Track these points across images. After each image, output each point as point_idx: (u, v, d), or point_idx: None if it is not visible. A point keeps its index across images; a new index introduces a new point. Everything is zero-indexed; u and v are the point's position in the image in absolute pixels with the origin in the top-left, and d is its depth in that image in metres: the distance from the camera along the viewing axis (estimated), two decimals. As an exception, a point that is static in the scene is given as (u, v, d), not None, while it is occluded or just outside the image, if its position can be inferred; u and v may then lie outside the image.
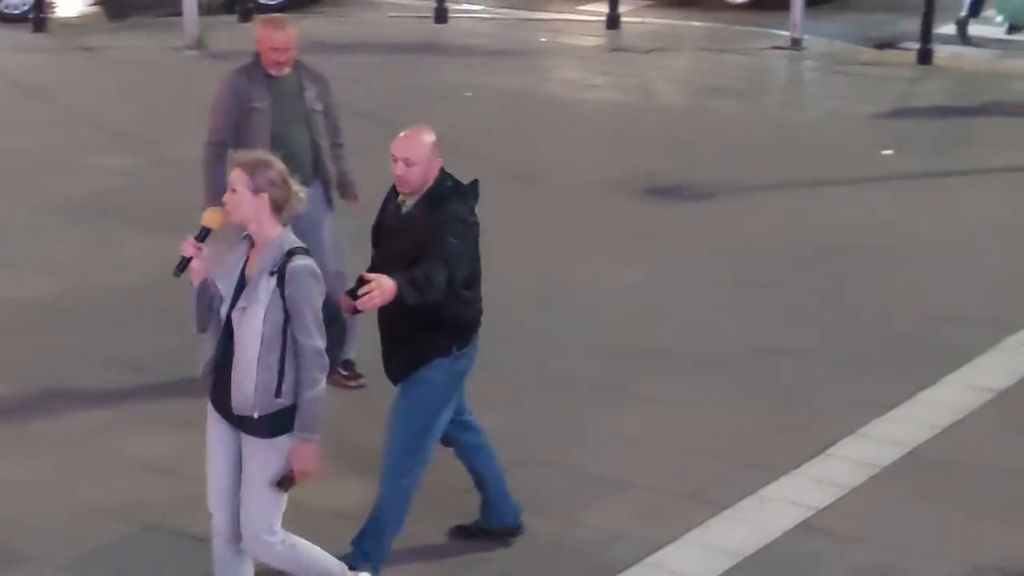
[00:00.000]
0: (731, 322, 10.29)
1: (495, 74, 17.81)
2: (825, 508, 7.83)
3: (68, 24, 20.46)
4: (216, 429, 6.31)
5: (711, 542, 7.52)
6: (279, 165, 6.14)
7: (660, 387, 9.27)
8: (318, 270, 6.12)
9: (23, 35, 19.51)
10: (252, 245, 6.17)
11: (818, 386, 9.30)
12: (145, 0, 21.54)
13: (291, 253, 6.06)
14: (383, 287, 6.42)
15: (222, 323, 6.15)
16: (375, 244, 7.08)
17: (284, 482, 6.20)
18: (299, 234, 7.89)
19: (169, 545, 7.40)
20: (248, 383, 6.08)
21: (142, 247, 11.46)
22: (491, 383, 9.23)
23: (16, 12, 20.33)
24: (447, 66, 18.21)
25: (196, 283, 6.17)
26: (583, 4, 21.85)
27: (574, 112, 16.18)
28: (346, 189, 9.31)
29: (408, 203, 6.87)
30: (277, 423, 6.14)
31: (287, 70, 8.98)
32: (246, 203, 6.06)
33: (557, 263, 11.36)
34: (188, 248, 6.15)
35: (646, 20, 20.98)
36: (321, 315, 6.10)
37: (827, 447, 8.47)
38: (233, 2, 21.11)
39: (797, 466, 8.25)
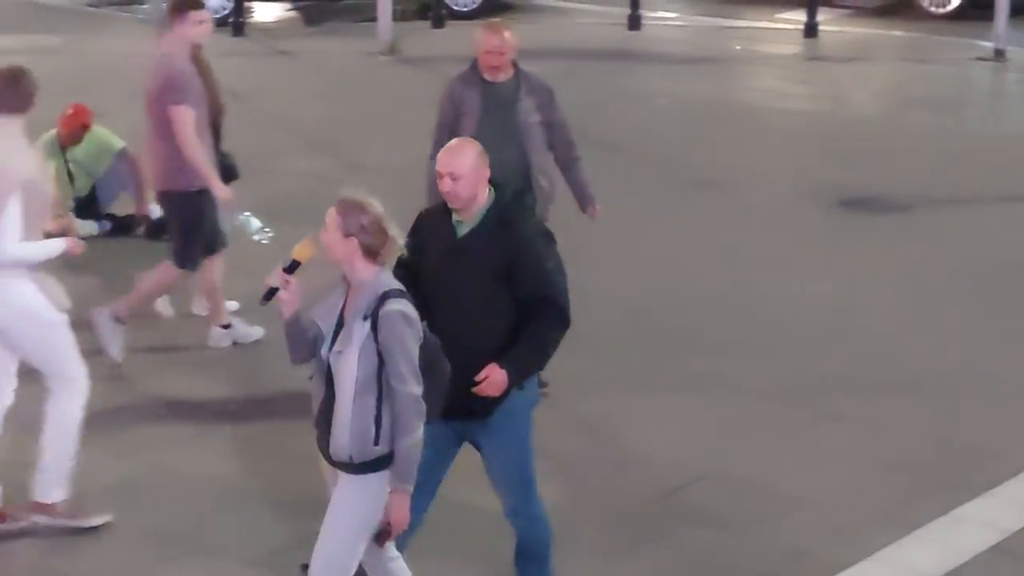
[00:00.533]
0: (924, 340, 10.04)
1: (689, 82, 17.67)
2: (1019, 531, 7.59)
3: (266, 29, 20.78)
4: (328, 472, 6.12)
5: (900, 562, 7.33)
6: (375, 209, 5.87)
7: (850, 404, 9.07)
8: (413, 313, 5.88)
9: (223, 39, 19.79)
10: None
11: (1013, 407, 9.02)
12: (341, 6, 21.81)
13: (385, 296, 5.84)
14: (495, 383, 6.28)
15: (324, 365, 5.98)
16: (426, 275, 6.39)
17: (381, 536, 5.98)
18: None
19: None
20: (344, 429, 5.90)
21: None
22: (672, 395, 9.15)
23: (215, 16, 20.68)
24: (640, 73, 18.12)
25: (286, 314, 5.96)
26: (780, 12, 21.59)
27: (768, 121, 15.97)
28: (584, 202, 9.12)
29: (465, 225, 6.41)
30: (370, 464, 5.93)
31: (504, 76, 8.83)
32: (336, 245, 5.88)
33: (744, 274, 11.20)
34: (275, 278, 5.97)
35: (845, 29, 20.66)
36: (416, 360, 5.87)
37: (1021, 470, 8.20)
38: (426, 8, 21.26)
39: (990, 487, 8.01)
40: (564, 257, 6.53)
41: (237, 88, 17.05)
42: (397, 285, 5.90)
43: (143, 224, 11.97)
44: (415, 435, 5.87)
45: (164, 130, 9.24)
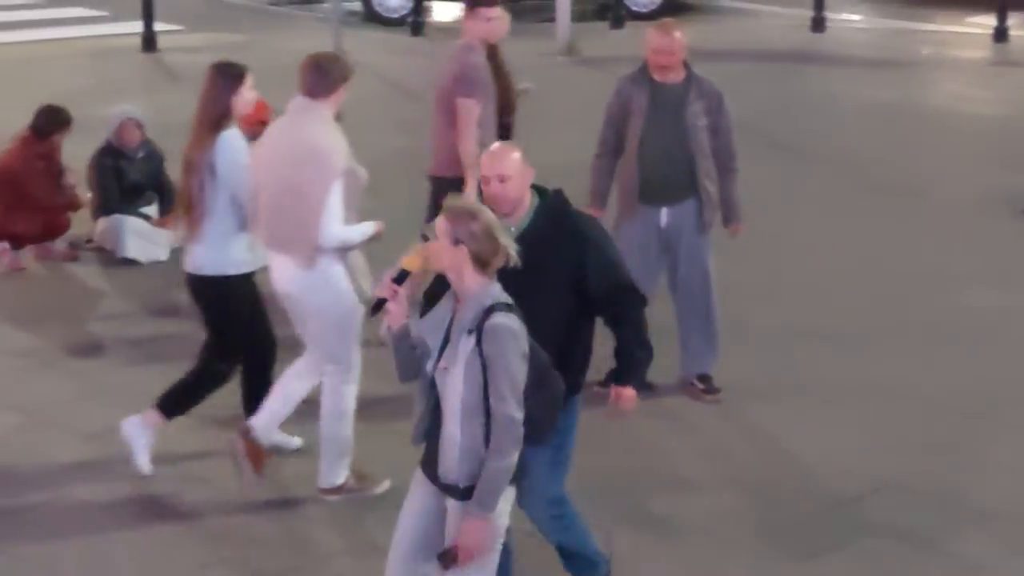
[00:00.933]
0: (1116, 350, 9.71)
1: (874, 86, 17.35)
2: None
3: (444, 28, 20.83)
4: (417, 491, 5.82)
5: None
6: (487, 217, 5.60)
7: (1035, 415, 8.80)
8: (519, 328, 5.55)
9: (401, 38, 19.96)
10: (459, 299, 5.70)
11: None
12: (520, 6, 21.79)
13: (492, 309, 5.53)
14: (628, 400, 6.18)
15: (428, 382, 5.71)
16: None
17: (446, 557, 5.60)
18: (657, 252, 7.78)
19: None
20: (453, 449, 5.61)
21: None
22: (846, 402, 8.95)
23: (394, 16, 20.80)
24: (824, 76, 17.84)
25: (394, 328, 5.68)
26: (970, 16, 21.11)
27: (955, 126, 15.61)
28: (729, 216, 8.96)
29: (514, 229, 6.04)
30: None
31: (674, 78, 8.71)
32: (446, 254, 5.59)
33: (925, 281, 10.93)
34: (384, 290, 5.68)
35: (1037, 33, 20.15)
36: (520, 380, 5.53)
37: None
38: (605, 8, 21.16)
39: None
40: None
41: (415, 87, 17.16)
42: (505, 299, 5.59)
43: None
44: (506, 460, 5.52)
45: (449, 119, 9.24)
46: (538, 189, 6.19)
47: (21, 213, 11.02)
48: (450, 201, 5.64)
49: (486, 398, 5.52)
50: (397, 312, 5.67)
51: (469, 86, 9.14)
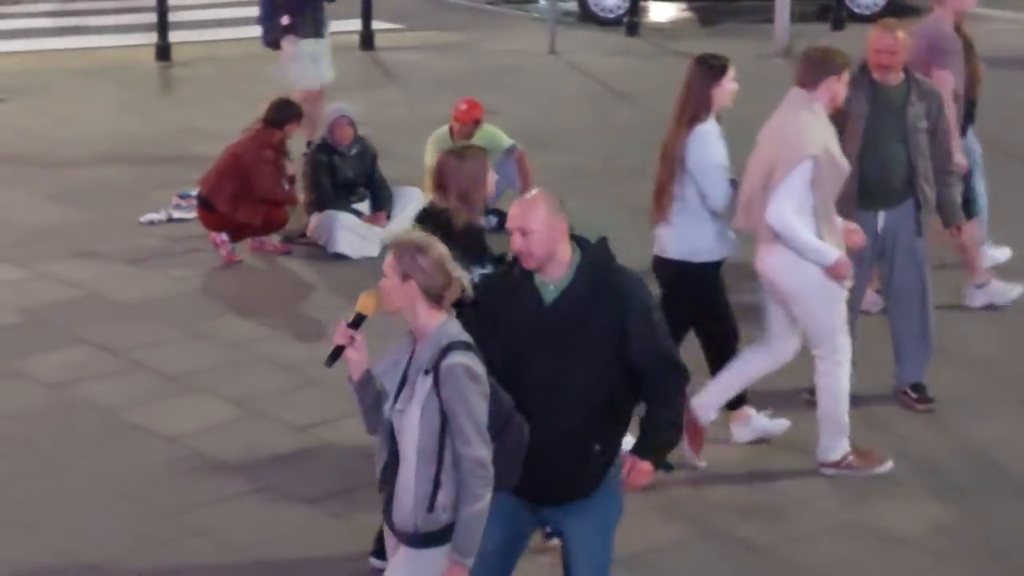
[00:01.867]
0: None
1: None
2: None
3: (660, 28, 20.72)
4: (390, 542, 5.62)
5: None
6: (436, 249, 5.33)
7: None
8: (479, 368, 5.27)
9: (616, 38, 19.88)
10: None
11: None
12: (738, 7, 21.58)
13: (449, 348, 5.24)
14: (643, 473, 5.74)
15: (387, 425, 5.43)
16: (506, 350, 5.57)
17: None
18: (871, 259, 7.61)
19: (720, 551, 7.26)
20: (407, 495, 5.36)
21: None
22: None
23: (610, 16, 20.73)
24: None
25: (355, 376, 5.42)
26: None
27: None
28: (948, 219, 8.81)
29: (553, 287, 5.61)
30: (434, 536, 5.38)
31: (894, 79, 8.53)
32: (395, 291, 5.32)
33: None
34: (340, 336, 5.40)
35: None
36: (483, 419, 5.27)
37: None
38: (826, 9, 20.84)
39: None
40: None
41: (628, 88, 17.10)
42: (464, 337, 5.30)
43: (529, 220, 12.00)
44: (479, 504, 5.29)
45: None
46: (580, 241, 5.70)
47: (245, 204, 11.22)
48: (399, 235, 5.46)
49: (441, 440, 5.27)
50: (357, 359, 5.40)
51: (944, 56, 9.40)
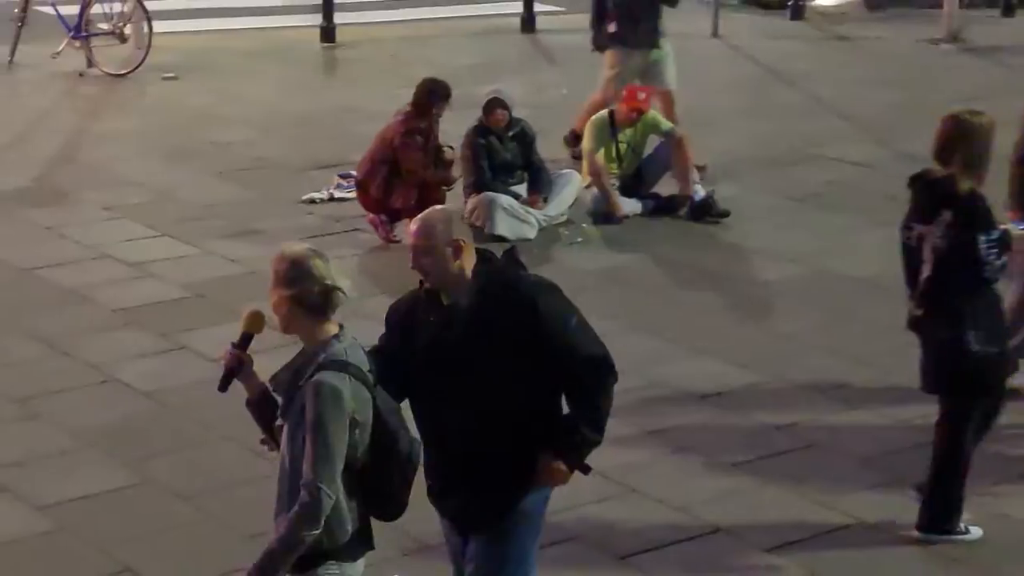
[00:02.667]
0: None
1: None
2: None
3: (826, 13, 20.49)
4: None
5: None
6: (315, 259, 5.10)
7: None
8: (343, 390, 4.95)
9: (780, 22, 19.72)
10: None
11: None
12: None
13: (321, 366, 4.98)
14: (552, 472, 5.52)
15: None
16: (417, 374, 5.48)
17: None
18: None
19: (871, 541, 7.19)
20: (280, 514, 5.07)
21: (875, 240, 11.26)
22: None
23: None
24: None
25: (251, 397, 5.22)
26: None
27: None
28: None
29: (462, 303, 5.44)
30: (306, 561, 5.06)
31: None
32: (278, 303, 5.11)
33: None
34: (228, 359, 5.20)
35: None
36: (336, 448, 4.92)
37: None
38: (997, -5, 20.47)
39: None
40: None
41: (792, 72, 16.96)
42: (344, 356, 5.02)
43: (686, 205, 11.99)
44: (293, 534, 4.93)
45: None
46: (483, 255, 5.52)
47: (399, 188, 11.31)
48: (283, 247, 5.22)
49: None
50: (249, 383, 5.22)
51: None
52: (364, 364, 5.09)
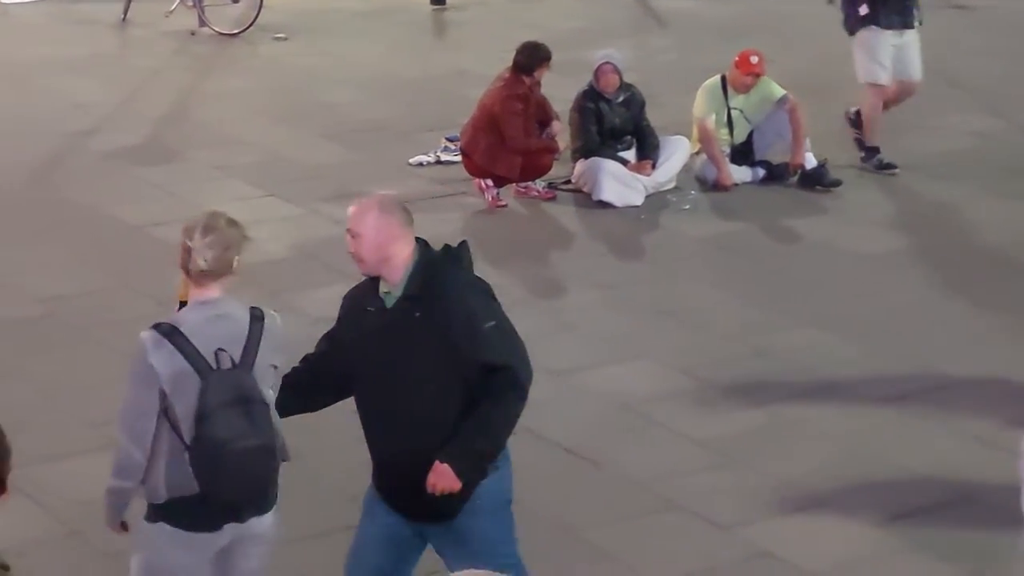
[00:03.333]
0: None
1: None
2: None
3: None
4: None
5: None
6: (194, 221, 5.26)
7: None
8: (148, 344, 5.10)
9: None
10: None
11: None
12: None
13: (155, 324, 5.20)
14: (440, 475, 5.35)
15: None
16: (356, 362, 5.48)
17: None
18: None
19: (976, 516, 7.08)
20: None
21: (990, 212, 11.10)
22: None
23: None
24: None
25: None
26: None
27: None
28: None
29: (390, 294, 5.42)
30: (152, 508, 5.32)
31: None
32: None
33: None
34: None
35: None
36: (130, 403, 5.17)
37: None
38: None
39: None
40: None
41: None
42: (174, 320, 5.17)
43: (797, 173, 11.85)
44: (112, 481, 5.25)
45: None
46: (421, 246, 5.46)
47: (502, 155, 11.26)
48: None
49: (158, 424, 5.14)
50: None
51: None
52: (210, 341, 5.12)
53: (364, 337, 5.44)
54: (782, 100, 11.89)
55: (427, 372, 5.34)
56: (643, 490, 7.35)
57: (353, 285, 5.72)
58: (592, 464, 7.62)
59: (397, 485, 5.51)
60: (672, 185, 11.69)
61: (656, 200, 11.42)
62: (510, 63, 11.38)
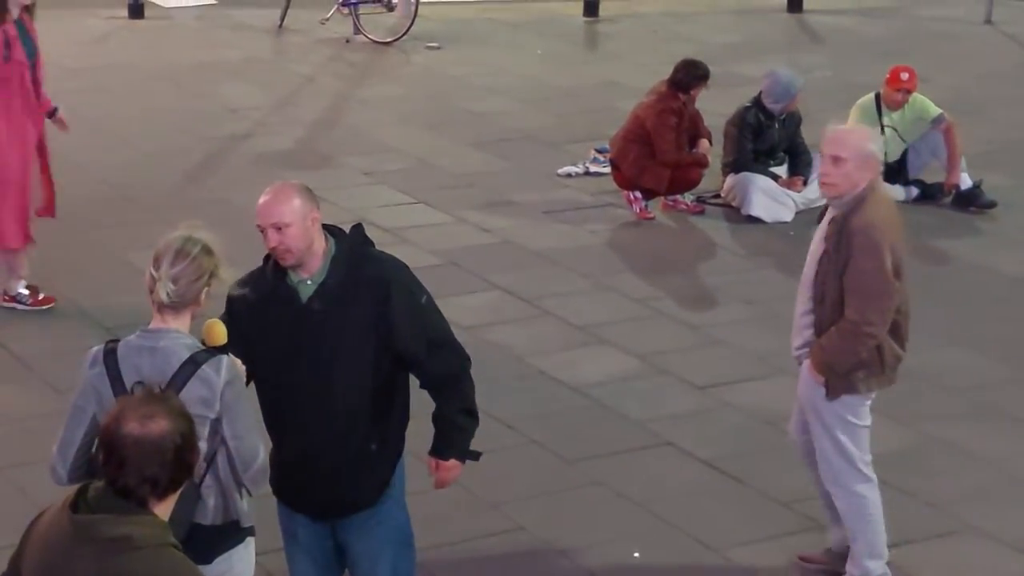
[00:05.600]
0: None
1: None
2: None
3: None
4: None
5: None
6: (165, 246, 4.95)
7: None
8: (85, 366, 4.90)
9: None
10: None
11: None
12: None
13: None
14: (445, 470, 5.46)
15: None
16: (267, 360, 5.23)
17: None
18: None
19: None
20: None
21: None
22: None
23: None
24: None
25: None
26: None
27: None
28: None
29: (310, 282, 5.21)
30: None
31: None
32: None
33: None
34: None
35: None
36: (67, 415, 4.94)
37: None
38: None
39: None
40: None
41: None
42: (121, 343, 4.90)
43: (951, 193, 11.68)
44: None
45: None
46: (332, 230, 5.30)
47: (651, 168, 11.22)
48: None
49: None
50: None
51: None
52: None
53: (277, 331, 5.22)
54: (938, 119, 11.72)
55: (358, 355, 5.21)
56: (786, 508, 7.27)
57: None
58: (735, 480, 7.56)
59: (317, 483, 5.34)
60: (823, 202, 11.53)
61: (806, 216, 11.30)
62: (665, 77, 11.35)
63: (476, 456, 5.56)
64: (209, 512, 4.93)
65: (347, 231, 5.33)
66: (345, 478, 5.31)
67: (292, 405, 5.29)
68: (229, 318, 5.16)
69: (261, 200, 5.20)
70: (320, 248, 5.21)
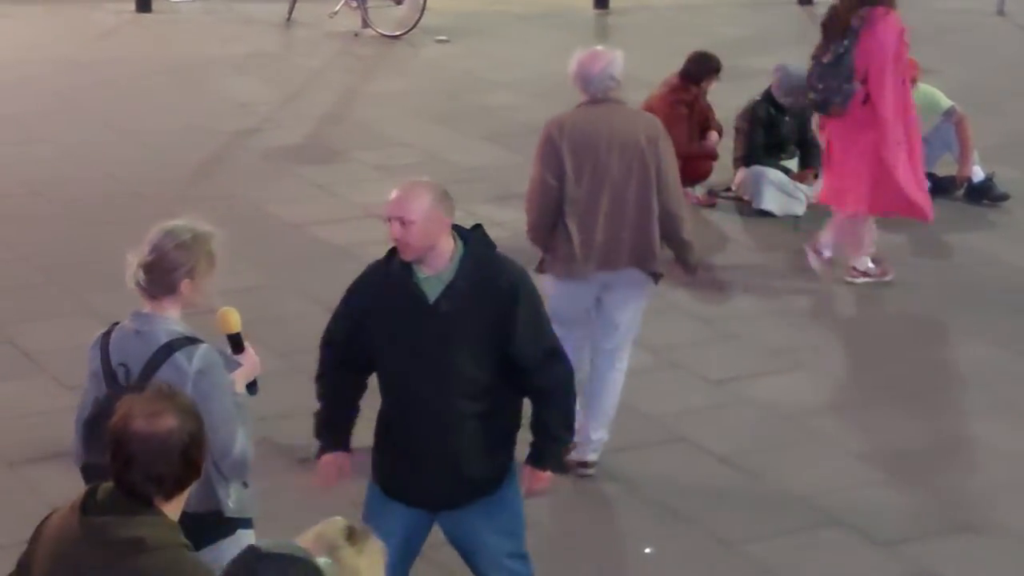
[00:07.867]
0: None
1: None
2: None
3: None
4: None
5: None
6: (154, 233, 5.13)
7: None
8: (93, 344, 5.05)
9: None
10: None
11: None
12: None
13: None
14: (540, 481, 5.55)
15: None
16: (385, 350, 5.36)
17: None
18: None
19: None
20: None
21: None
22: None
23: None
24: None
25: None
26: None
27: None
28: None
29: (436, 282, 5.28)
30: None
31: None
32: None
33: None
34: (245, 372, 5.16)
35: None
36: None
37: None
38: None
39: None
40: None
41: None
42: (117, 326, 5.08)
43: (963, 186, 11.61)
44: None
45: None
46: (461, 232, 5.36)
47: (662, 158, 11.15)
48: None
49: None
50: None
51: None
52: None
53: (400, 326, 5.29)
54: (949, 112, 11.64)
55: (479, 355, 5.28)
56: (803, 504, 7.21)
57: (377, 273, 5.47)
58: (751, 476, 7.50)
59: (433, 476, 5.39)
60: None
61: (818, 209, 11.23)
62: (677, 69, 11.29)
63: (566, 470, 5.68)
64: (190, 499, 4.89)
65: (473, 233, 5.38)
66: (464, 473, 5.38)
67: (410, 396, 5.36)
68: (345, 308, 5.37)
69: (394, 192, 5.30)
70: (448, 248, 5.27)
